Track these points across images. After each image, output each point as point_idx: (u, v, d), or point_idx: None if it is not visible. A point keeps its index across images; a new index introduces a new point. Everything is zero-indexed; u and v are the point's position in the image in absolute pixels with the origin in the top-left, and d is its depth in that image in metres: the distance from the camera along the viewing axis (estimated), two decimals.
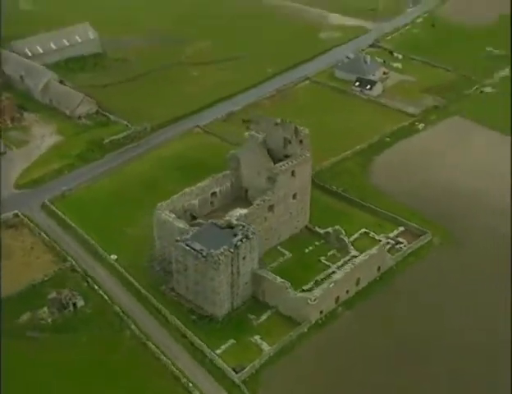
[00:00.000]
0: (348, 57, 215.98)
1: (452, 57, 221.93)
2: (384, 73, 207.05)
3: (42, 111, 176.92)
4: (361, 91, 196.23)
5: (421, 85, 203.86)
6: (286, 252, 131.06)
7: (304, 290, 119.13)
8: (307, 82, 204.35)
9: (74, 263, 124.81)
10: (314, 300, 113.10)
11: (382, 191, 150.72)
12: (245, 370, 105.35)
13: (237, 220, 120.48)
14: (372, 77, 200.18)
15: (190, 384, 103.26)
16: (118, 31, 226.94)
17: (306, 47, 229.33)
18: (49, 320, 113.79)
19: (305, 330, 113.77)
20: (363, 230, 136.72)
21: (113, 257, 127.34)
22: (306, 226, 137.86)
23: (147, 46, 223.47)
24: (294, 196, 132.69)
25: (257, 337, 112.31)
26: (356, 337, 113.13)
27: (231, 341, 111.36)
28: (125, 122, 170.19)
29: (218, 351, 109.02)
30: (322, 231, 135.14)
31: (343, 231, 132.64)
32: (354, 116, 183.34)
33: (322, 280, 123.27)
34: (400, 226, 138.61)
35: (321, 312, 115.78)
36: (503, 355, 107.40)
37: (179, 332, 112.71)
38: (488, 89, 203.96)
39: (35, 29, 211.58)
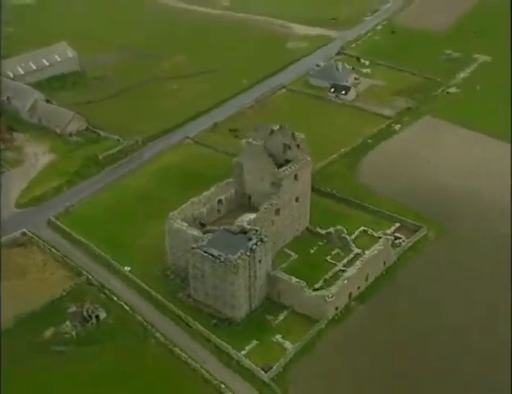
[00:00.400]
0: (318, 65, 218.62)
1: (414, 61, 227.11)
2: (355, 79, 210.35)
3: (31, 130, 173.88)
4: (336, 96, 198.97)
5: (391, 89, 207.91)
6: (292, 253, 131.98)
7: (315, 289, 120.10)
8: (284, 90, 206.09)
9: (90, 276, 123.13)
10: (331, 296, 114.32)
11: (373, 191, 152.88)
12: (273, 369, 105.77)
13: (247, 225, 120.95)
14: (345, 83, 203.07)
15: (223, 386, 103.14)
16: (93, 49, 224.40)
17: (276, 57, 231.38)
18: (73, 333, 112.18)
19: (323, 326, 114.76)
20: (362, 228, 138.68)
21: (127, 268, 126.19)
22: (307, 228, 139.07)
23: (123, 62, 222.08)
24: (297, 199, 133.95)
25: (278, 337, 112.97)
26: (372, 331, 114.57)
27: (254, 341, 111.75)
28: (116, 137, 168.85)
29: (243, 352, 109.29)
30: (323, 232, 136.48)
31: (345, 230, 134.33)
32: (333, 121, 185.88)
33: (331, 278, 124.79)
34: (396, 222, 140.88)
35: (336, 308, 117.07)
36: None
37: (202, 337, 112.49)
38: (453, 90, 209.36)
39: (14, 51, 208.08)
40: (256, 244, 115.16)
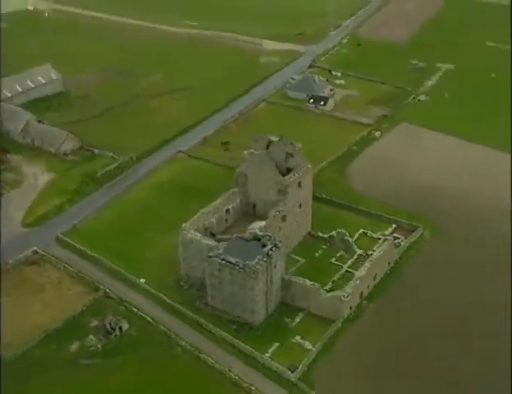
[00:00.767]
0: (293, 79, 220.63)
1: (382, 71, 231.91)
2: (331, 90, 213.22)
3: (24, 151, 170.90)
4: (315, 107, 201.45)
5: (365, 98, 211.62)
6: (299, 258, 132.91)
7: (327, 291, 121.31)
8: (264, 103, 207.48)
9: (108, 290, 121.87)
10: (347, 296, 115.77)
11: (364, 194, 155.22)
12: (299, 369, 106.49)
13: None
14: (322, 94, 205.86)
15: (253, 388, 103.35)
16: (73, 69, 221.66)
17: (250, 72, 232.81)
18: (99, 346, 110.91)
19: (340, 325, 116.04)
20: (362, 230, 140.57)
21: (142, 280, 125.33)
22: (309, 233, 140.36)
23: (103, 82, 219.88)
24: (300, 205, 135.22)
25: (298, 338, 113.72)
26: (385, 328, 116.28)
27: (276, 344, 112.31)
28: (111, 154, 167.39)
29: (267, 355, 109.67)
30: (326, 236, 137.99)
31: (347, 233, 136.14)
32: (316, 130, 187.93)
33: (339, 279, 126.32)
34: (392, 223, 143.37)
35: (350, 307, 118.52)
36: None
37: (226, 342, 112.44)
38: (423, 97, 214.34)
39: None
40: (271, 249, 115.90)
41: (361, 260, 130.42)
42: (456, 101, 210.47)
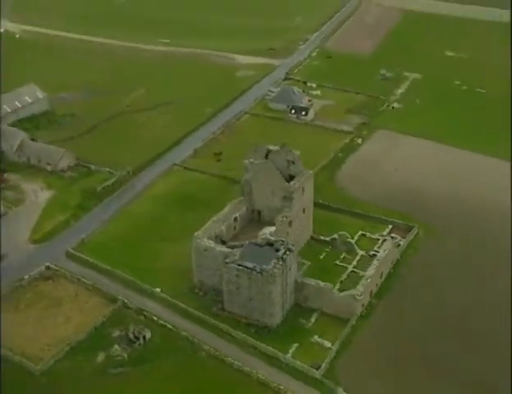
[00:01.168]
0: (271, 91, 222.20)
1: (354, 81, 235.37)
2: (309, 100, 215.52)
3: (20, 170, 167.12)
4: (297, 117, 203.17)
5: (342, 107, 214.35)
6: (304, 261, 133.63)
7: (339, 291, 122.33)
8: (247, 116, 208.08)
9: (125, 301, 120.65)
10: (361, 295, 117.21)
11: (358, 198, 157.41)
12: (322, 366, 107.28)
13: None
14: (301, 105, 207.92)
15: (281, 387, 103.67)
16: (52, 89, 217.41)
17: (229, 86, 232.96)
18: (125, 355, 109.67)
19: (354, 323, 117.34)
20: (361, 232, 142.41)
21: (158, 289, 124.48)
22: (311, 237, 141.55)
23: (86, 100, 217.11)
24: (304, 210, 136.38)
25: (316, 337, 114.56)
26: (397, 323, 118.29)
27: (295, 344, 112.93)
28: (108, 169, 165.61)
29: (289, 355, 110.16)
30: (327, 239, 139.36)
31: (348, 236, 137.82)
32: (300, 139, 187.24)
33: (345, 280, 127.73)
34: (389, 224, 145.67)
35: (362, 305, 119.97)
36: None
37: (247, 345, 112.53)
38: (396, 105, 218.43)
39: None
40: (285, 253, 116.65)
41: (364, 261, 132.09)
42: (428, 107, 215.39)
